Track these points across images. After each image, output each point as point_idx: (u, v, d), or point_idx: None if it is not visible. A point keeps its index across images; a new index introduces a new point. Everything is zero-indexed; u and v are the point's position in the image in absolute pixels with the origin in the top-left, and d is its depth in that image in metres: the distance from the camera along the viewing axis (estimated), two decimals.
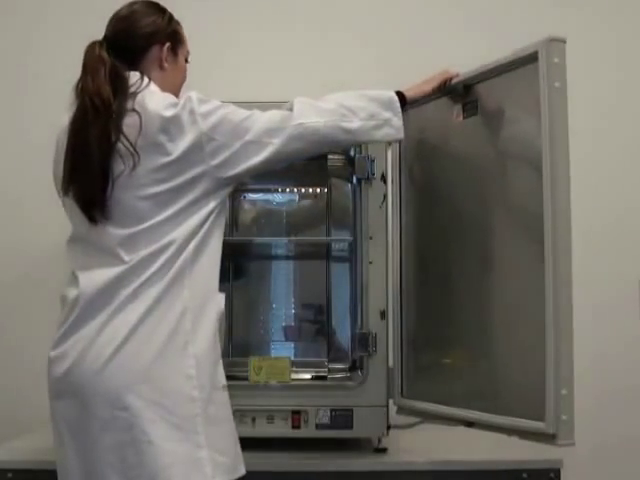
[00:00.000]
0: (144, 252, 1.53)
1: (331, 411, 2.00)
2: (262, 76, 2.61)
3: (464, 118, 1.84)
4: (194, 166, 1.56)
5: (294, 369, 2.09)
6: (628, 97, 2.63)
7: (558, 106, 1.57)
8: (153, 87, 1.61)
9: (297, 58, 2.65)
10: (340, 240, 2.32)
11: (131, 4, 1.70)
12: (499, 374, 1.71)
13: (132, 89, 1.58)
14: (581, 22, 2.61)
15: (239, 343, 2.35)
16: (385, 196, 2.03)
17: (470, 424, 1.78)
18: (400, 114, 1.75)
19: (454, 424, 1.83)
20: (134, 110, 1.54)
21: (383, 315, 2.02)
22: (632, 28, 2.66)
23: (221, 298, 1.63)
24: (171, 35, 1.70)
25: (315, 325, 2.39)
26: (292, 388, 2.04)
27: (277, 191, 2.45)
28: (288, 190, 2.45)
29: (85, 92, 1.56)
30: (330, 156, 2.31)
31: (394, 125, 1.74)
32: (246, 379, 2.05)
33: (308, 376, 2.15)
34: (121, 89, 1.57)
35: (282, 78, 2.60)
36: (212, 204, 1.60)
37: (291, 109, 1.65)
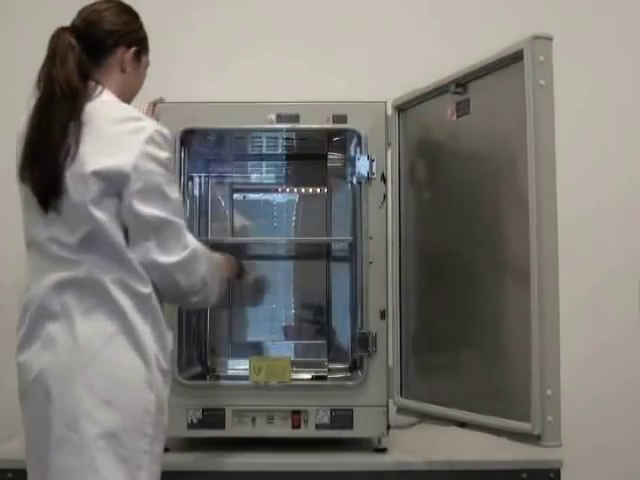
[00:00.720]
0: (94, 264, 1.49)
1: (331, 411, 2.00)
2: (261, 76, 2.61)
3: (457, 117, 1.84)
4: (122, 187, 1.49)
5: (294, 369, 2.09)
6: (615, 94, 2.63)
7: (544, 104, 1.57)
8: (105, 96, 1.57)
9: (295, 60, 2.65)
10: (340, 240, 2.32)
11: (106, 1, 1.65)
12: (495, 374, 1.71)
13: (88, 92, 1.54)
14: (567, 20, 2.61)
15: (239, 343, 2.36)
16: (385, 196, 2.03)
17: (463, 424, 1.78)
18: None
19: (448, 424, 1.83)
20: (79, 117, 1.49)
21: (383, 315, 2.01)
22: (618, 26, 2.66)
23: (170, 337, 1.59)
24: (139, 41, 1.67)
25: (315, 325, 2.39)
26: (292, 388, 2.04)
27: (277, 191, 2.45)
28: (288, 190, 2.45)
29: (53, 78, 1.51)
30: (330, 156, 2.31)
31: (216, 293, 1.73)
32: (246, 379, 2.05)
33: (308, 376, 2.15)
34: (85, 84, 1.53)
35: (280, 78, 2.60)
36: None
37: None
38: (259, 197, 2.46)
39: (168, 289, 1.57)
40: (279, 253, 2.45)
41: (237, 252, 2.39)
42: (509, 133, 1.69)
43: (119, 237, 1.50)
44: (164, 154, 1.53)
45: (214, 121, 2.06)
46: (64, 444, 1.47)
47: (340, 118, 2.04)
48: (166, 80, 2.49)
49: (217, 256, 1.77)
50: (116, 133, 1.51)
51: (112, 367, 1.48)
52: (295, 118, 2.05)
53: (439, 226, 1.94)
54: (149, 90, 2.16)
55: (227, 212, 2.40)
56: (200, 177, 2.33)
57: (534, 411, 1.54)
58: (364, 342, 2.02)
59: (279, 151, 2.33)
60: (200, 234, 2.31)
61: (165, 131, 1.56)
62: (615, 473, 2.50)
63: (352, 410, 2.00)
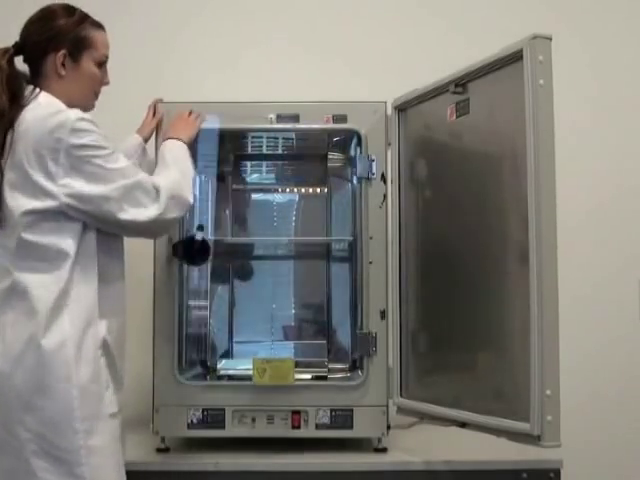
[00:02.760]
0: (19, 273, 1.54)
1: (331, 411, 2.00)
2: (261, 77, 2.61)
3: (457, 117, 1.84)
4: (47, 193, 1.53)
5: (294, 369, 2.10)
6: (615, 94, 2.63)
7: (543, 104, 1.57)
8: (41, 99, 1.60)
9: (295, 60, 2.65)
10: (340, 240, 2.31)
11: (43, 8, 1.68)
12: (495, 374, 1.71)
13: (22, 102, 1.57)
14: (566, 20, 2.61)
15: (239, 343, 2.35)
16: (385, 196, 2.03)
17: (463, 425, 1.78)
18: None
19: (448, 424, 1.83)
20: (12, 127, 1.54)
21: (383, 315, 2.01)
22: (618, 26, 2.66)
23: (102, 326, 1.61)
24: (70, 41, 1.65)
25: (315, 325, 2.39)
26: (292, 388, 2.04)
27: (277, 191, 2.45)
28: (288, 190, 2.45)
29: None
30: (330, 156, 2.31)
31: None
32: (246, 379, 2.05)
33: (308, 376, 2.15)
34: (16, 102, 1.57)
35: (280, 78, 2.60)
36: (71, 231, 1.57)
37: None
38: (259, 197, 2.45)
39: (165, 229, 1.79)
40: (279, 253, 2.45)
41: (238, 252, 2.41)
42: (509, 133, 1.69)
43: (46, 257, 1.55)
44: (91, 136, 1.56)
45: (214, 121, 2.06)
46: (5, 447, 1.52)
47: (340, 118, 2.04)
48: (166, 80, 2.50)
49: (172, 148, 1.86)
50: (40, 138, 1.53)
51: (31, 370, 1.51)
52: (295, 118, 2.05)
53: (439, 226, 1.94)
54: (149, 90, 2.17)
55: (227, 212, 2.40)
56: (200, 177, 2.33)
57: (533, 411, 1.54)
58: (364, 342, 2.02)
59: (279, 151, 2.33)
60: None
61: (86, 115, 1.58)
62: (615, 473, 2.49)
63: (352, 410, 2.00)
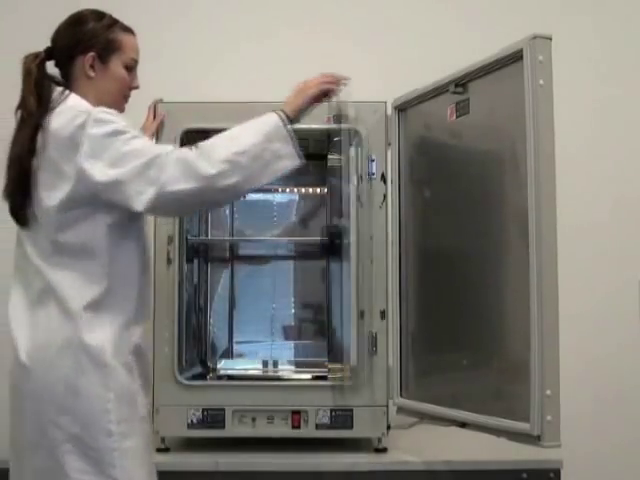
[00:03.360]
0: (53, 276, 1.55)
1: (331, 411, 2.00)
2: (261, 77, 2.62)
3: (457, 117, 1.84)
4: (82, 189, 1.54)
5: (294, 369, 2.10)
6: (615, 94, 2.63)
7: (543, 104, 1.57)
8: (70, 101, 1.61)
9: (295, 59, 2.64)
10: (340, 240, 2.31)
11: (74, 13, 1.70)
12: (495, 374, 1.71)
13: (52, 104, 1.59)
14: (567, 20, 2.61)
15: (239, 343, 2.36)
16: (385, 196, 2.03)
17: (463, 424, 1.78)
18: (289, 139, 1.63)
19: (448, 424, 1.83)
20: (43, 128, 1.56)
21: (383, 315, 2.02)
22: (617, 25, 2.67)
23: (138, 331, 1.62)
24: (100, 43, 1.67)
25: (315, 325, 2.39)
26: (292, 388, 2.04)
27: (277, 191, 2.45)
28: (288, 190, 2.45)
29: (18, 103, 1.60)
30: (330, 156, 2.31)
31: (284, 155, 1.62)
32: (246, 379, 2.05)
33: (308, 376, 2.15)
34: (43, 103, 1.59)
35: (280, 78, 2.60)
36: (113, 234, 1.58)
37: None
38: (259, 197, 2.45)
39: (195, 196, 1.56)
40: (279, 253, 2.45)
41: (238, 252, 2.41)
42: (509, 133, 1.69)
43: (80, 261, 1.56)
44: (111, 124, 1.55)
45: (214, 121, 2.05)
46: (37, 448, 1.53)
47: (340, 118, 2.04)
48: (166, 80, 2.50)
49: (259, 118, 1.66)
50: (67, 136, 1.54)
51: (67, 371, 1.52)
52: None
53: (439, 226, 1.94)
54: (149, 91, 2.16)
55: (227, 212, 2.40)
56: None
57: (533, 411, 1.54)
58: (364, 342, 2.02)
59: None
60: (200, 234, 2.32)
61: (107, 109, 1.58)
62: (615, 473, 2.50)
63: (352, 410, 2.00)
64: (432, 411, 1.88)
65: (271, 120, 1.63)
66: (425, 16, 2.69)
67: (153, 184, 1.54)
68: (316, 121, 2.06)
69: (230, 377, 2.16)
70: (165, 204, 1.57)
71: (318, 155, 2.32)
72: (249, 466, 1.94)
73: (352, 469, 1.94)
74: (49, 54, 1.67)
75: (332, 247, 2.17)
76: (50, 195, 1.55)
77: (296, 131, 2.09)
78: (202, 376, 2.19)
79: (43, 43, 1.68)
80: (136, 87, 1.76)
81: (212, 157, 1.56)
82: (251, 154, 1.58)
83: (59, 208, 1.54)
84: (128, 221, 1.60)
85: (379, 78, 2.54)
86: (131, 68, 1.73)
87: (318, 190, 2.42)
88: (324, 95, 1.73)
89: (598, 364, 2.54)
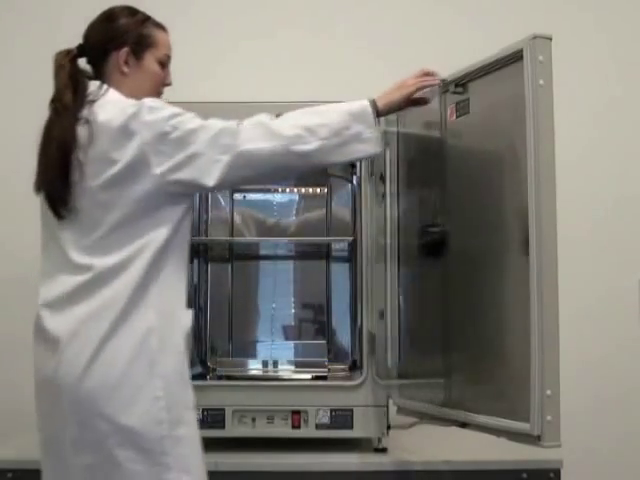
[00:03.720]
0: (102, 264, 1.52)
1: (331, 411, 2.00)
2: (262, 77, 2.62)
3: (457, 117, 1.84)
4: (140, 176, 1.53)
5: (294, 369, 2.10)
6: (615, 93, 2.63)
7: (543, 104, 1.57)
8: (111, 95, 1.62)
9: (295, 59, 2.65)
10: (340, 240, 2.31)
11: (105, 10, 1.70)
12: (495, 374, 1.70)
13: (90, 97, 1.59)
14: (567, 20, 2.61)
15: (239, 343, 2.35)
16: (384, 196, 2.03)
17: (463, 425, 1.78)
18: (374, 125, 1.60)
19: (448, 424, 1.83)
20: (87, 120, 1.55)
21: (383, 315, 2.01)
22: (617, 25, 2.67)
23: (188, 316, 1.61)
24: (133, 39, 1.67)
25: (315, 325, 2.39)
26: (292, 388, 2.04)
27: (277, 191, 2.45)
28: (288, 190, 2.45)
29: (51, 98, 1.60)
30: None
31: (366, 139, 1.59)
32: (246, 379, 2.05)
33: (308, 376, 2.15)
34: (79, 97, 1.59)
35: (280, 78, 2.60)
36: (167, 217, 1.56)
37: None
38: (259, 197, 2.45)
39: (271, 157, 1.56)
40: (279, 253, 2.45)
41: (238, 252, 2.41)
42: (509, 133, 1.69)
43: (128, 249, 1.54)
44: (165, 108, 1.56)
45: None
46: (82, 444, 1.49)
47: None
48: None
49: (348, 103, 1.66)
50: (120, 126, 1.54)
51: (111, 361, 1.49)
52: None
53: (438, 226, 1.94)
54: None
55: (227, 212, 2.40)
56: None
57: (534, 411, 1.54)
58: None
59: None
60: (200, 234, 2.31)
61: (153, 98, 1.60)
62: (615, 473, 2.50)
63: (352, 410, 2.00)
64: (432, 411, 1.88)
65: (360, 103, 1.63)
66: (425, 16, 2.70)
67: (227, 152, 1.54)
68: None
69: (230, 377, 2.16)
70: (238, 168, 1.55)
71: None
72: (249, 466, 1.94)
73: (352, 469, 1.94)
74: (81, 51, 1.66)
75: (433, 249, 1.88)
76: (103, 187, 1.53)
77: None
78: (202, 376, 2.19)
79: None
80: (169, 84, 1.76)
81: (290, 122, 1.57)
82: (332, 128, 1.57)
83: (116, 201, 1.53)
84: (183, 215, 1.59)
85: (379, 78, 2.54)
86: (164, 64, 1.73)
87: (318, 190, 2.41)
88: (418, 97, 1.71)
89: (598, 364, 2.55)
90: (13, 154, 2.66)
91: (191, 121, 1.57)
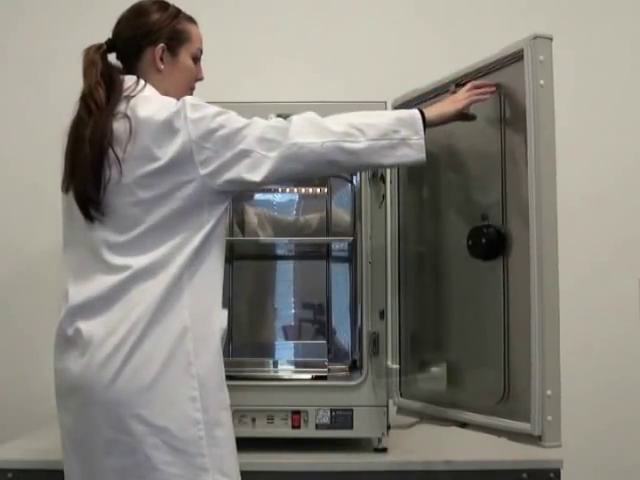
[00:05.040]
0: (137, 263, 1.50)
1: (331, 411, 2.00)
2: (261, 77, 2.62)
3: None
4: (183, 174, 1.51)
5: (294, 369, 2.10)
6: (615, 93, 2.63)
7: (544, 104, 1.57)
8: (148, 91, 1.59)
9: (295, 59, 2.65)
10: (340, 240, 2.31)
11: (134, 4, 1.67)
12: (495, 374, 1.70)
13: (126, 93, 1.56)
14: (567, 20, 2.62)
15: (239, 343, 2.35)
16: (384, 196, 2.03)
17: (463, 425, 1.78)
18: (422, 132, 1.61)
19: (448, 424, 1.83)
20: (126, 115, 1.52)
21: (383, 315, 2.01)
22: (619, 25, 2.67)
23: (224, 316, 1.60)
24: (168, 34, 1.65)
25: (315, 325, 2.39)
26: (292, 388, 2.04)
27: (277, 191, 2.45)
28: (288, 190, 2.45)
29: (82, 94, 1.56)
30: None
31: (413, 144, 1.60)
32: (246, 379, 2.05)
33: (308, 376, 2.15)
34: (114, 92, 1.56)
35: (280, 78, 2.61)
36: (207, 216, 1.55)
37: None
38: (259, 197, 2.45)
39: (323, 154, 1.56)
40: (280, 253, 2.45)
41: (238, 252, 2.41)
42: (509, 133, 1.69)
43: (165, 247, 1.52)
44: (206, 106, 1.54)
45: None
46: (116, 446, 1.46)
47: None
48: None
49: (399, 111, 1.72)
50: (162, 123, 1.51)
51: (146, 361, 1.47)
52: None
53: (438, 226, 1.94)
54: None
55: (227, 212, 2.40)
56: None
57: (534, 411, 1.54)
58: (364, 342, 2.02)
59: None
60: None
61: (195, 97, 1.58)
62: (615, 473, 2.50)
63: (352, 410, 2.00)
64: (432, 411, 1.88)
65: (410, 111, 1.65)
66: (425, 16, 2.69)
67: (275, 148, 1.53)
68: None
69: (230, 377, 2.16)
70: (287, 161, 1.54)
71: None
72: (249, 466, 1.92)
73: (352, 469, 1.94)
74: (111, 46, 1.63)
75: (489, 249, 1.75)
76: (145, 185, 1.51)
77: None
78: None
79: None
80: (201, 78, 1.74)
81: (340, 120, 1.58)
82: (381, 129, 1.58)
83: (156, 200, 1.51)
84: (222, 215, 1.59)
85: (379, 78, 2.55)
86: (197, 59, 1.72)
87: (318, 190, 2.41)
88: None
89: (598, 364, 2.55)
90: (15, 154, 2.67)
91: (237, 119, 1.55)
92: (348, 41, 2.66)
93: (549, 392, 1.54)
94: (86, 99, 1.54)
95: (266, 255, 2.45)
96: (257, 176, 1.54)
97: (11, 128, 2.67)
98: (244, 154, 1.53)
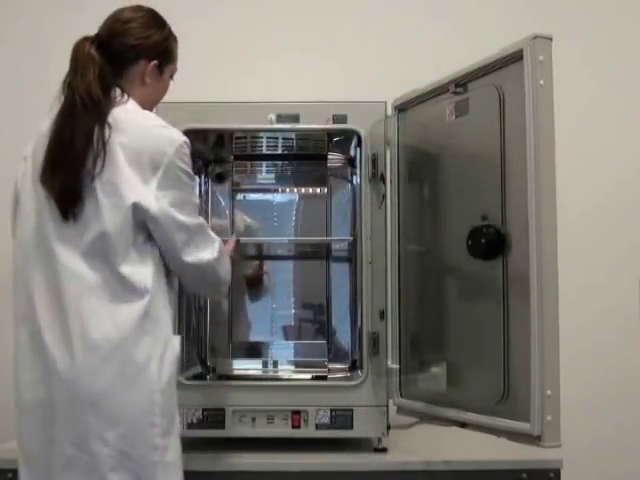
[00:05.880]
0: (99, 279, 1.50)
1: (331, 411, 2.00)
2: (261, 77, 2.62)
3: (456, 117, 1.84)
4: (145, 199, 1.53)
5: (294, 369, 2.09)
6: (615, 93, 2.63)
7: (543, 104, 1.57)
8: (131, 104, 1.61)
9: (295, 59, 2.65)
10: (340, 240, 2.31)
11: (135, 9, 1.68)
12: (495, 374, 1.70)
13: (114, 101, 1.58)
14: (567, 20, 2.62)
15: (239, 343, 2.36)
16: (384, 196, 2.03)
17: (463, 425, 1.78)
18: None
19: (448, 424, 1.83)
20: (109, 124, 1.52)
21: (383, 315, 2.01)
22: (619, 25, 2.67)
23: (176, 342, 1.61)
24: (162, 53, 1.68)
25: (315, 325, 2.39)
26: (292, 388, 2.04)
27: (277, 191, 2.45)
28: (288, 190, 2.45)
29: (74, 89, 1.54)
30: (330, 156, 2.31)
31: None
32: (246, 379, 2.05)
33: (308, 376, 2.15)
34: (107, 94, 1.57)
35: (280, 78, 2.60)
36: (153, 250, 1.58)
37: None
38: (259, 197, 2.45)
39: (209, 282, 1.69)
40: (279, 253, 2.45)
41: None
42: (509, 133, 1.69)
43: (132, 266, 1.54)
44: (189, 164, 1.60)
45: (214, 121, 2.06)
46: (74, 464, 1.48)
47: (340, 118, 2.04)
48: None
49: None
50: (146, 144, 1.54)
51: (113, 387, 1.49)
52: (295, 118, 2.05)
53: (438, 226, 1.94)
54: None
55: (227, 212, 2.40)
56: (200, 177, 2.33)
57: (534, 411, 1.54)
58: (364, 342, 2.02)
59: (279, 151, 2.33)
60: None
61: (188, 141, 1.61)
62: (615, 473, 2.50)
63: (352, 410, 2.00)
64: (432, 411, 1.88)
65: None
66: (425, 16, 2.69)
67: (200, 250, 1.61)
68: (316, 121, 2.06)
69: (230, 377, 2.16)
70: (216, 267, 1.66)
71: (318, 155, 2.32)
72: (249, 466, 1.94)
73: (352, 469, 1.94)
74: (103, 43, 1.61)
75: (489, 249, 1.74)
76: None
77: (297, 131, 2.12)
78: (202, 376, 2.19)
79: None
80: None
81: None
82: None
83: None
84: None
85: (379, 78, 2.55)
86: (172, 78, 1.77)
87: (318, 190, 2.41)
88: None
89: (598, 364, 2.55)
90: None
91: (194, 194, 1.68)
92: (348, 41, 2.66)
93: (549, 392, 1.54)
94: (82, 95, 1.53)
95: (266, 255, 2.45)
96: (193, 256, 1.62)
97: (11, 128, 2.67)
98: (188, 228, 1.59)
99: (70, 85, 1.55)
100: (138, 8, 1.68)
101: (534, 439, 1.56)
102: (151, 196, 1.52)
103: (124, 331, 1.49)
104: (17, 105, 2.65)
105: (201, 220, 1.64)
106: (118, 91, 1.61)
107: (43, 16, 2.69)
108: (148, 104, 1.69)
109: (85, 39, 1.60)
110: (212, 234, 1.67)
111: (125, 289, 1.51)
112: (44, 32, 2.67)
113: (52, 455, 1.50)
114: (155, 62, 1.66)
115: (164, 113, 2.00)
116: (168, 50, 1.71)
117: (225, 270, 1.72)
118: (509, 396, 1.67)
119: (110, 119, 1.53)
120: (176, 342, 1.60)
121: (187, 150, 1.59)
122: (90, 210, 1.51)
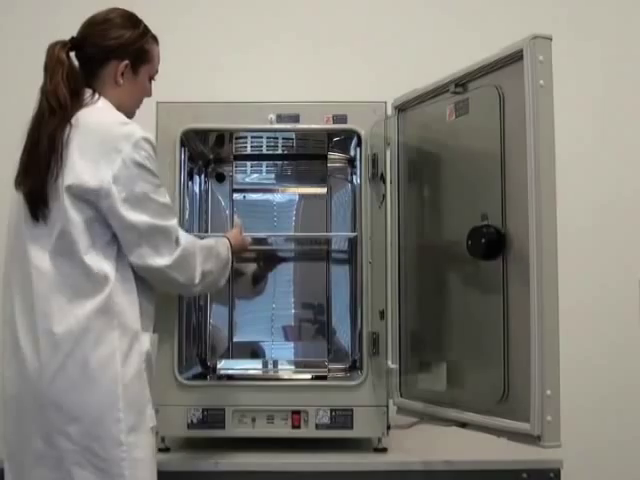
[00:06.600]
0: (62, 275, 1.53)
1: (331, 411, 2.00)
2: (261, 77, 2.62)
3: (456, 117, 1.84)
4: (102, 202, 1.54)
5: (294, 369, 2.09)
6: (615, 93, 2.63)
7: (543, 104, 1.57)
8: (102, 103, 1.62)
9: (295, 59, 2.65)
10: (342, 235, 2.31)
11: (108, 11, 1.69)
12: (495, 374, 1.70)
13: (83, 102, 1.59)
14: (567, 20, 2.62)
15: (239, 343, 2.35)
16: (384, 196, 2.03)
17: (463, 425, 1.78)
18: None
19: (448, 424, 1.83)
20: (71, 124, 1.54)
21: (383, 315, 2.01)
22: (618, 25, 2.67)
23: (145, 339, 1.61)
24: (134, 52, 1.68)
25: (315, 325, 2.39)
26: (292, 388, 2.04)
27: (277, 191, 2.45)
28: (288, 190, 2.45)
29: (43, 92, 1.58)
30: (330, 156, 2.31)
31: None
32: (246, 379, 2.05)
33: (308, 376, 2.15)
34: (78, 98, 1.58)
35: (280, 79, 2.60)
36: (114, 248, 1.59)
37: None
38: (259, 197, 2.45)
39: (168, 287, 1.69)
40: (279, 253, 2.45)
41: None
42: (509, 133, 1.69)
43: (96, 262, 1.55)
44: (150, 160, 1.58)
45: (214, 121, 2.06)
46: (43, 459, 1.51)
47: (340, 118, 2.04)
48: (166, 80, 2.50)
49: (219, 242, 1.85)
50: (103, 140, 1.55)
51: (76, 382, 1.51)
52: (295, 118, 2.05)
53: (438, 226, 1.94)
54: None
55: (227, 212, 2.40)
56: (200, 177, 2.33)
57: (534, 411, 1.55)
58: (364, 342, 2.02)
59: (279, 151, 2.33)
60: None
61: (151, 137, 1.60)
62: (615, 473, 2.50)
63: (352, 410, 2.00)
64: (432, 411, 1.88)
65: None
66: (425, 16, 2.69)
67: (156, 253, 1.59)
68: (316, 121, 2.06)
69: (230, 377, 2.16)
70: (160, 280, 1.64)
71: (318, 155, 2.32)
72: (249, 466, 1.94)
73: (352, 469, 1.94)
74: (76, 46, 1.64)
75: (489, 249, 1.72)
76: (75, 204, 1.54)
77: (297, 131, 2.12)
78: (202, 376, 2.19)
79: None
80: (149, 95, 1.78)
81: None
82: (218, 267, 1.83)
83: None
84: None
85: (379, 78, 2.55)
86: (152, 79, 1.76)
87: (318, 190, 2.41)
88: None
89: (598, 364, 2.55)
90: None
91: (158, 191, 1.60)
92: (348, 41, 2.66)
93: (549, 392, 1.54)
94: (48, 97, 1.56)
95: (267, 255, 2.44)
96: (136, 255, 1.60)
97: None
98: (136, 228, 1.57)
99: (42, 89, 1.59)
100: (113, 10, 1.69)
101: (534, 439, 1.56)
102: (105, 192, 1.52)
103: (86, 326, 1.51)
104: (17, 105, 2.65)
105: (162, 222, 1.59)
106: (89, 92, 1.62)
107: (40, 15, 2.68)
108: (126, 106, 1.68)
109: (55, 43, 1.62)
110: (177, 239, 1.63)
111: (88, 283, 1.53)
112: (44, 32, 2.66)
113: (25, 450, 1.53)
114: (126, 62, 1.66)
115: (164, 113, 2.03)
116: (142, 50, 1.70)
117: (188, 275, 1.66)
118: (509, 396, 1.67)
119: (74, 120, 1.55)
120: (144, 337, 1.60)
121: (148, 146, 1.57)
122: (55, 210, 1.54)
